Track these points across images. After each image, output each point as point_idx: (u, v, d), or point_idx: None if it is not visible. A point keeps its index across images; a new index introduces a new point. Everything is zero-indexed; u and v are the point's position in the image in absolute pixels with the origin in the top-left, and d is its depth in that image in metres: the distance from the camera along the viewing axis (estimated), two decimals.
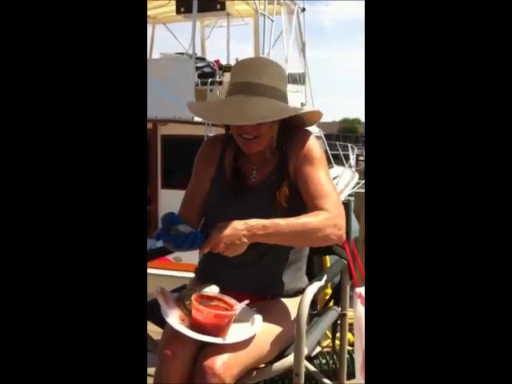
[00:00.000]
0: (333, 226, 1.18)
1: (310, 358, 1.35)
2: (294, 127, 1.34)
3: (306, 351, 1.18)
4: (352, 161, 9.23)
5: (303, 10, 6.52)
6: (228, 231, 1.14)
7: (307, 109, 1.34)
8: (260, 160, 1.36)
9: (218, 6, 5.20)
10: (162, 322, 1.20)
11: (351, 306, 1.53)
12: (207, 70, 5.07)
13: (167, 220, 1.18)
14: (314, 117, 1.39)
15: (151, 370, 1.18)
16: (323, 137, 6.86)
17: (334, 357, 2.13)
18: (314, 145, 1.32)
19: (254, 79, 1.27)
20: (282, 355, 1.23)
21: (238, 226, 1.14)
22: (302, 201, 1.28)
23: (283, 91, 1.32)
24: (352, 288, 1.53)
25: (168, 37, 6.30)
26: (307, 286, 1.22)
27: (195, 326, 1.13)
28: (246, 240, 1.14)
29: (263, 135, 1.28)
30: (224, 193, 1.35)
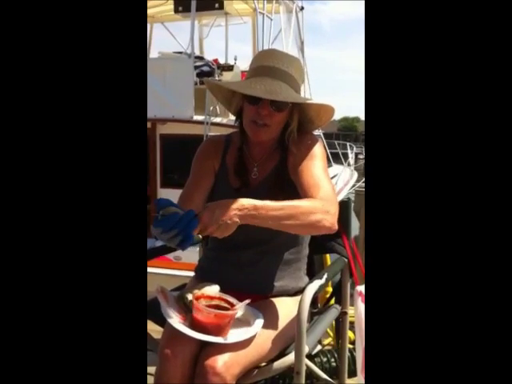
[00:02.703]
0: (325, 212, 1.16)
1: (310, 357, 1.35)
2: (302, 130, 1.35)
3: (306, 349, 1.18)
4: (351, 159, 9.24)
5: (302, 8, 6.50)
6: (220, 211, 1.08)
7: (326, 102, 1.34)
8: (262, 157, 1.37)
9: (217, 5, 5.18)
10: (162, 321, 1.20)
11: (352, 305, 1.53)
12: (206, 69, 5.06)
13: (159, 204, 1.08)
14: (323, 117, 1.38)
15: (152, 369, 1.18)
16: (322, 136, 6.86)
17: (335, 355, 2.13)
18: (316, 145, 1.33)
19: (282, 66, 1.28)
20: (282, 354, 1.23)
21: (231, 205, 1.09)
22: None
23: (300, 85, 1.33)
24: (353, 286, 1.53)
25: (166, 36, 6.29)
26: (307, 284, 1.22)
27: (196, 325, 1.13)
28: (237, 220, 1.09)
29: (275, 124, 1.28)
30: (225, 190, 1.35)
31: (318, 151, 1.31)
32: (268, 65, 1.28)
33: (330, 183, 1.27)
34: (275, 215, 1.12)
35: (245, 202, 1.11)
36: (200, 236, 1.69)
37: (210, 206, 1.11)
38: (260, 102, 1.25)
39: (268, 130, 1.29)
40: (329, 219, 1.17)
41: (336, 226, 1.20)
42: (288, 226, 1.15)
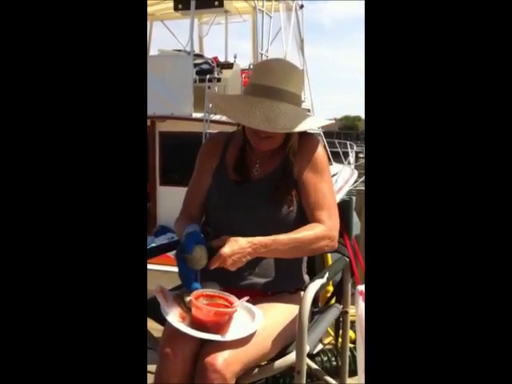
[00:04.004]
0: (327, 239, 1.26)
1: (311, 356, 1.34)
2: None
3: (307, 349, 1.18)
4: (351, 158, 9.24)
5: (302, 6, 6.48)
6: (236, 249, 1.18)
7: (326, 122, 1.40)
8: (264, 156, 1.38)
9: (216, 3, 5.16)
10: (163, 320, 1.19)
11: (353, 304, 1.52)
12: (205, 66, 5.05)
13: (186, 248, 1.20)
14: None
15: (152, 368, 1.18)
16: (322, 135, 6.85)
17: (336, 354, 2.13)
18: (320, 153, 1.34)
19: (279, 85, 1.28)
20: (283, 353, 1.23)
21: (244, 245, 1.19)
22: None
23: (300, 96, 1.35)
24: (354, 285, 1.53)
25: (166, 34, 6.29)
26: (309, 283, 1.22)
27: (196, 323, 1.13)
28: (249, 257, 1.20)
29: (277, 137, 1.30)
30: (225, 185, 1.36)
31: (323, 161, 1.34)
32: (266, 84, 1.28)
33: (334, 200, 1.32)
34: (283, 249, 1.23)
35: (256, 241, 1.21)
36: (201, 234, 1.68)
37: (226, 244, 1.19)
38: None
39: (270, 142, 1.31)
40: (330, 245, 1.28)
41: (336, 247, 1.31)
42: (293, 255, 1.28)
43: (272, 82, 1.28)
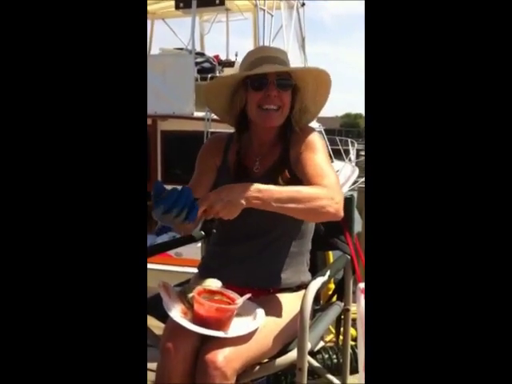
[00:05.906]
0: (330, 199, 1.17)
1: (313, 353, 1.35)
2: (299, 122, 1.37)
3: (309, 346, 1.18)
4: (352, 156, 9.23)
5: (303, 4, 6.47)
6: (226, 192, 1.12)
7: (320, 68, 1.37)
8: (263, 152, 1.39)
9: (218, 1, 5.15)
10: (164, 317, 1.20)
11: (354, 302, 1.53)
12: (207, 65, 5.05)
13: (157, 188, 1.12)
14: (318, 103, 1.40)
15: (152, 365, 1.18)
16: (323, 132, 6.83)
17: (337, 352, 2.13)
18: (315, 137, 1.35)
19: (274, 54, 1.35)
20: (285, 350, 1.23)
21: (236, 188, 1.13)
22: None
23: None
24: (355, 283, 1.53)
25: (167, 32, 6.29)
26: (310, 281, 1.22)
27: (197, 319, 1.13)
28: (243, 202, 1.12)
29: (285, 105, 1.32)
30: (227, 183, 1.35)
31: (319, 143, 1.33)
32: (261, 56, 1.34)
33: (334, 173, 1.28)
34: (279, 198, 1.14)
35: (249, 185, 1.14)
36: (202, 232, 1.69)
37: (217, 189, 1.15)
38: (266, 86, 1.28)
39: (280, 113, 1.31)
40: (333, 206, 1.17)
41: (341, 213, 1.20)
42: (292, 209, 1.16)
43: (265, 54, 1.35)
